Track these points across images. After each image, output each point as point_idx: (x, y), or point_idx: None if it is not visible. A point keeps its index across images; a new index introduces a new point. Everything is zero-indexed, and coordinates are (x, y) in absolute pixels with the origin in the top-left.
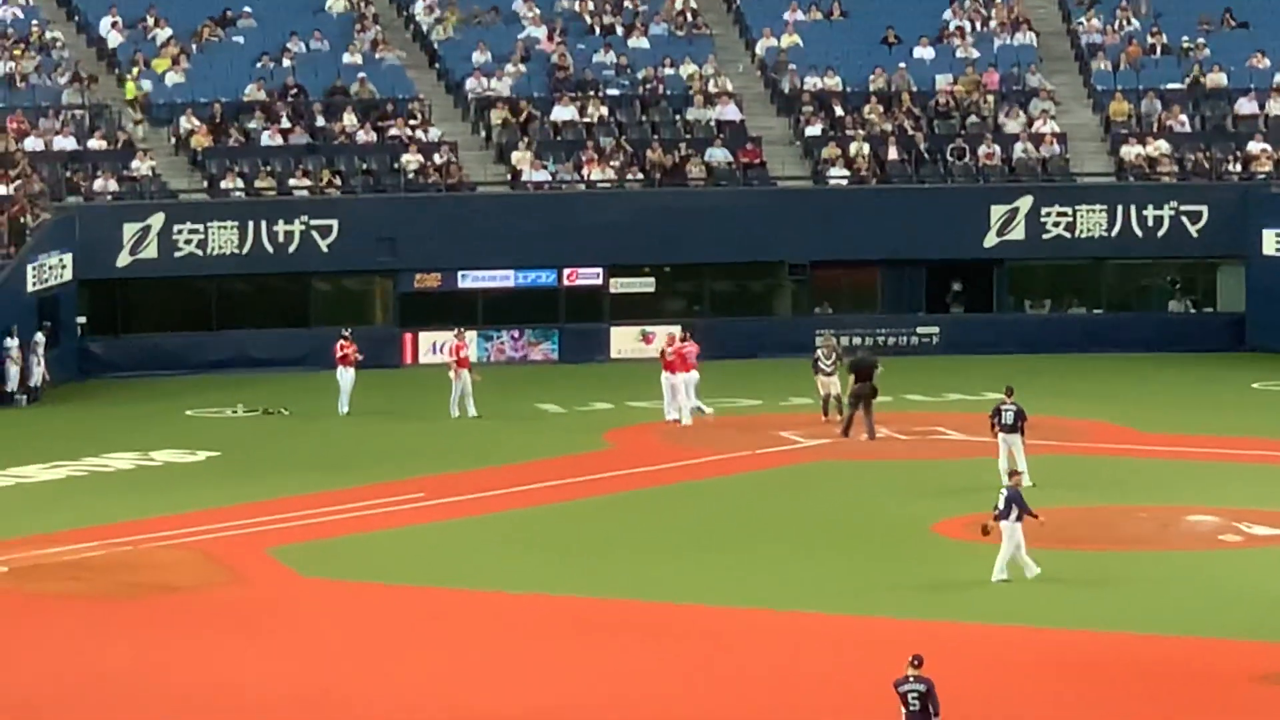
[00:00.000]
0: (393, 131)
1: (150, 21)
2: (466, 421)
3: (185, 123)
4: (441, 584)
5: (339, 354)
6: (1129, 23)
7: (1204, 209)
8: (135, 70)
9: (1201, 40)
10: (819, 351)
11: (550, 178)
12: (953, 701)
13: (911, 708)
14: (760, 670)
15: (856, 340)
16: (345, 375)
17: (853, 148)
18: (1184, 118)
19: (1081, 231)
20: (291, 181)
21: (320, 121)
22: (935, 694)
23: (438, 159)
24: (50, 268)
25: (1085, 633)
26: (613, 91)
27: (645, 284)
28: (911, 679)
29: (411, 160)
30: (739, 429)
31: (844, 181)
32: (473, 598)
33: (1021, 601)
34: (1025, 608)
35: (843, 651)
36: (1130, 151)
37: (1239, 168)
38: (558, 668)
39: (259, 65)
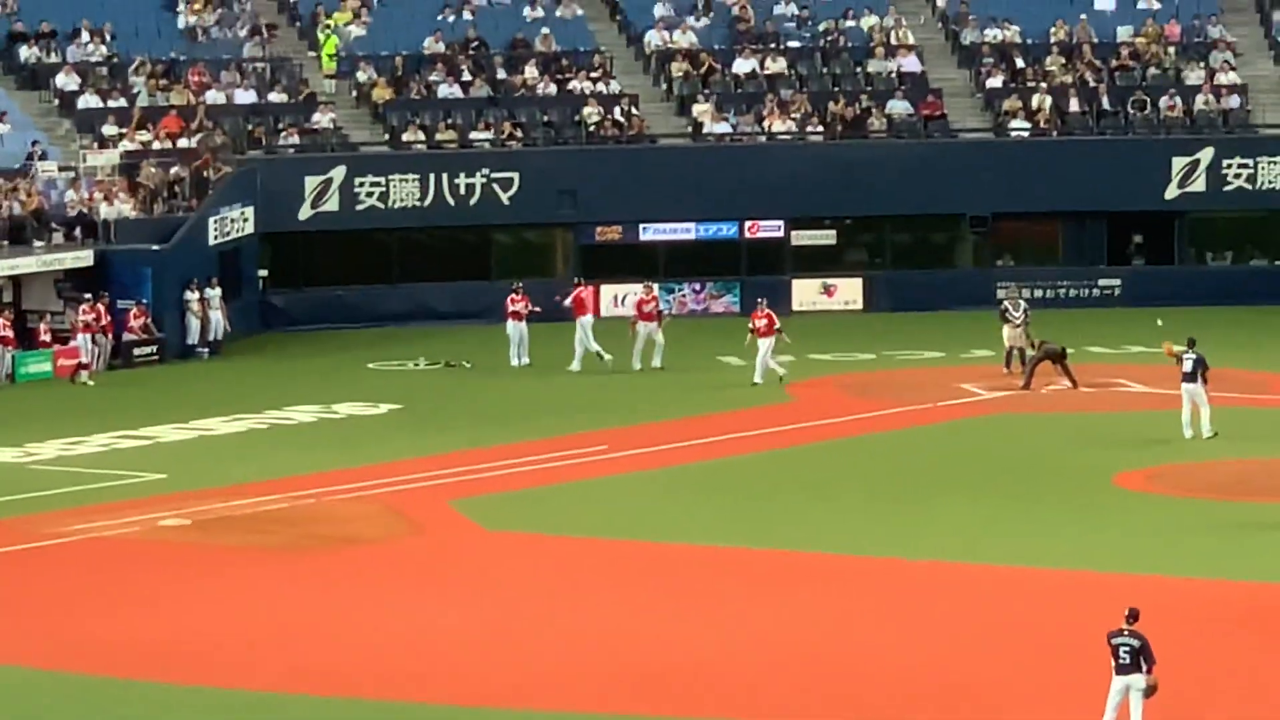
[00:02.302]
0: (574, 84)
1: None
2: (648, 374)
3: (367, 75)
4: (623, 536)
5: (510, 308)
6: None
7: None
8: (330, 24)
9: None
10: (1005, 303)
11: (731, 130)
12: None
13: (1122, 661)
14: (954, 622)
15: (1039, 294)
16: (516, 329)
17: (1034, 100)
18: None
19: (1263, 183)
20: (473, 134)
21: (501, 74)
22: (1150, 649)
23: (619, 112)
24: (232, 221)
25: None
26: (794, 44)
27: (826, 236)
28: (1126, 632)
29: (592, 113)
30: (920, 382)
31: (1025, 134)
32: (654, 550)
33: (1212, 555)
34: (1217, 561)
35: (1032, 603)
36: None
37: None
38: (738, 619)
39: (440, 18)
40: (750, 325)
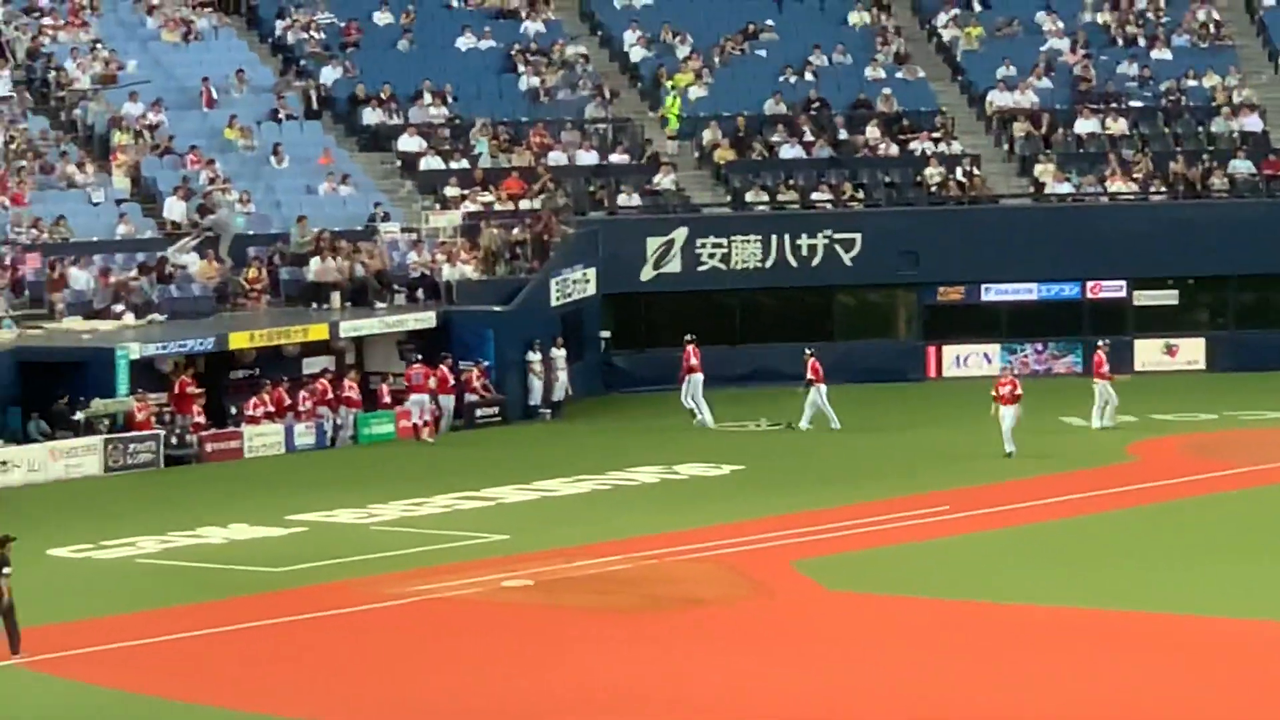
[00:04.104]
0: (915, 144)
1: (671, 36)
2: (981, 433)
3: (708, 136)
4: (966, 597)
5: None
6: None
7: None
8: (673, 85)
9: None
10: None
11: (1073, 190)
12: None
13: None
14: None
15: None
16: (816, 391)
17: None
18: None
19: None
20: (814, 195)
21: (843, 134)
22: None
23: (960, 172)
24: (574, 282)
25: None
26: (1136, 103)
27: (1169, 296)
28: None
29: (934, 173)
30: (1263, 442)
31: None
32: (996, 610)
33: None
34: None
35: None
36: None
37: None
38: (1084, 681)
39: (781, 79)
40: (993, 393)
